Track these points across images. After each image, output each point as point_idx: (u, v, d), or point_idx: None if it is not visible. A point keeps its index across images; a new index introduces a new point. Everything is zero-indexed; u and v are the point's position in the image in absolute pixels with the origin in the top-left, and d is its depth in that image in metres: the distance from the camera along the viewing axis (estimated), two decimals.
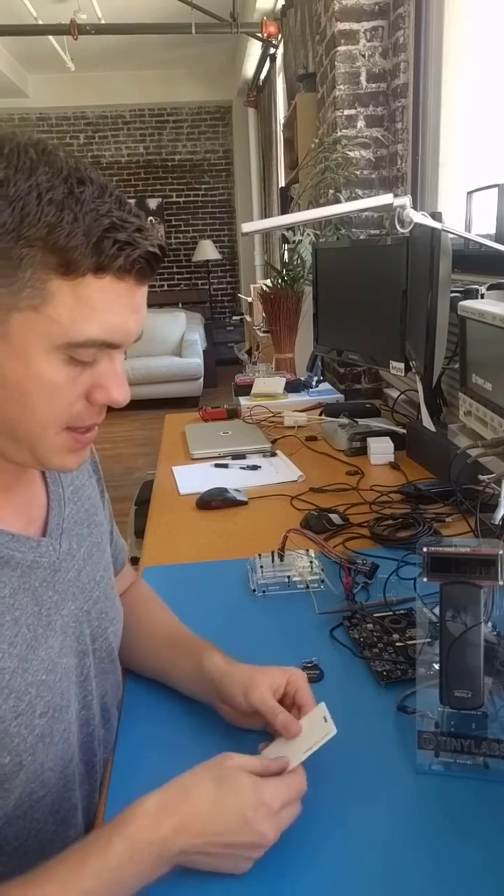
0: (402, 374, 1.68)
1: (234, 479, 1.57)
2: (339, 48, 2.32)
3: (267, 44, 4.93)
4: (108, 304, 0.57)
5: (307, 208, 2.58)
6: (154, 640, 0.88)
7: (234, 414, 2.13)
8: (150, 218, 7.82)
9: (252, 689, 0.72)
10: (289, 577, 1.10)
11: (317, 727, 0.68)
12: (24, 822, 0.63)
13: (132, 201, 0.61)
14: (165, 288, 8.13)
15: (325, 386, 2.42)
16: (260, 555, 1.14)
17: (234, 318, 7.85)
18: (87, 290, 0.55)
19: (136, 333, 0.62)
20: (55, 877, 0.52)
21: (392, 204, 1.35)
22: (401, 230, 1.36)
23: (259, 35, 4.85)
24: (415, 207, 1.40)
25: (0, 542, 0.62)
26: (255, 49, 5.39)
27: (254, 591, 1.08)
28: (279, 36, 4.68)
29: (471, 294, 1.42)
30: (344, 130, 2.39)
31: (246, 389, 2.33)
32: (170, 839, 0.55)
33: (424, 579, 0.72)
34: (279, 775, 0.63)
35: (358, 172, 2.39)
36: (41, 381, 0.57)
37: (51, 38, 5.41)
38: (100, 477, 0.86)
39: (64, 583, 0.69)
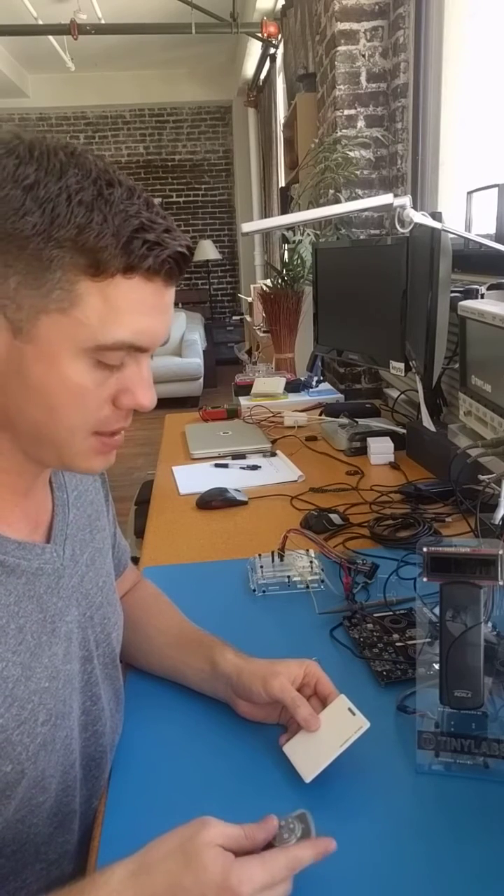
0: (402, 374, 1.68)
1: (234, 479, 1.57)
2: (339, 48, 2.32)
3: (267, 44, 4.93)
4: (136, 306, 0.57)
5: (307, 208, 2.58)
6: (163, 638, 0.88)
7: (234, 414, 2.13)
8: None
9: (272, 680, 0.73)
10: (289, 577, 1.10)
11: (344, 720, 0.68)
12: (23, 827, 0.63)
13: None
14: None
15: (325, 386, 2.42)
16: (260, 555, 1.14)
17: (234, 318, 7.85)
18: (115, 291, 0.55)
19: (164, 336, 0.61)
20: None
21: (392, 204, 1.35)
22: (401, 230, 1.36)
23: (259, 35, 4.84)
24: (415, 207, 1.40)
25: (7, 551, 0.61)
26: (255, 49, 5.39)
27: (254, 591, 1.08)
28: (279, 36, 4.67)
29: (471, 294, 1.42)
30: (344, 130, 2.39)
31: (246, 389, 2.33)
32: None
33: (424, 579, 0.72)
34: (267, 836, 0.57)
35: (358, 172, 2.39)
36: (68, 384, 0.57)
37: (51, 38, 5.40)
38: (104, 480, 0.86)
39: (68, 589, 0.69)
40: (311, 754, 0.69)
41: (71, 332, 0.55)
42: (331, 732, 0.67)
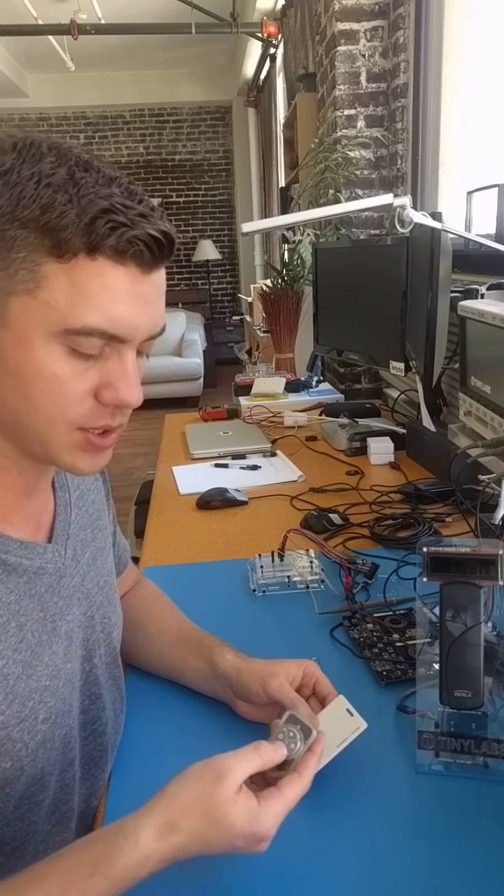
0: (402, 374, 1.68)
1: (234, 479, 1.57)
2: (339, 48, 2.32)
3: (267, 44, 4.93)
4: (107, 291, 0.55)
5: (307, 208, 2.58)
6: (163, 637, 0.88)
7: (234, 414, 2.13)
8: None
9: (270, 680, 0.73)
10: (289, 577, 1.10)
11: (342, 721, 0.68)
12: (22, 825, 0.63)
13: None
14: (165, 288, 8.11)
15: (325, 386, 2.42)
16: (260, 555, 1.14)
17: (234, 318, 7.85)
18: (81, 273, 0.54)
19: (148, 329, 0.59)
20: None
21: (392, 204, 1.35)
22: (401, 230, 1.36)
23: (259, 35, 4.84)
24: (415, 207, 1.40)
25: (9, 550, 0.61)
26: (255, 49, 5.39)
27: (254, 591, 1.08)
28: (279, 36, 4.68)
29: (471, 294, 1.42)
30: (344, 130, 2.39)
31: (246, 389, 2.33)
32: (154, 869, 0.54)
33: (424, 579, 0.72)
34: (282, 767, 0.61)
35: (358, 172, 2.39)
36: (43, 371, 0.56)
37: (51, 38, 5.41)
38: (106, 479, 0.85)
39: (69, 588, 0.69)
40: None
41: (40, 315, 0.55)
42: (328, 733, 0.67)
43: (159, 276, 0.59)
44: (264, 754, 0.59)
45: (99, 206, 0.53)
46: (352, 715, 0.69)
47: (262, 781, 0.60)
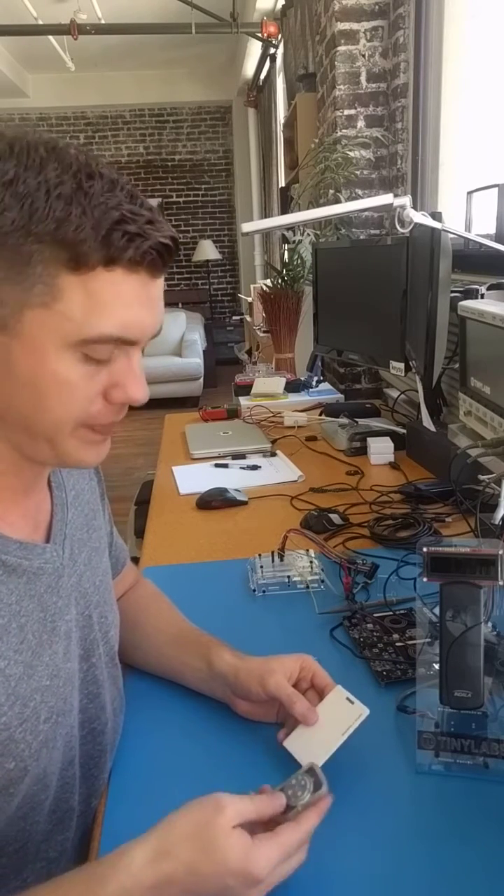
0: (402, 374, 1.68)
1: (234, 479, 1.57)
2: (339, 48, 2.32)
3: (267, 44, 4.93)
4: (120, 299, 0.56)
5: (307, 208, 2.58)
6: (161, 638, 0.88)
7: (234, 414, 2.13)
8: None
9: (268, 677, 0.73)
10: (289, 577, 1.10)
11: (343, 710, 0.68)
12: (25, 824, 0.63)
13: None
14: (165, 288, 8.05)
15: (325, 386, 2.42)
16: (260, 555, 1.14)
17: (234, 318, 7.85)
18: (97, 284, 0.55)
19: (154, 329, 0.61)
20: None
21: (392, 204, 1.35)
22: (401, 230, 1.36)
23: (259, 35, 4.84)
24: (415, 207, 1.40)
25: (8, 551, 0.62)
26: (255, 49, 5.39)
27: (254, 591, 1.08)
28: (279, 36, 4.67)
29: (471, 294, 1.42)
30: (344, 130, 2.39)
31: (246, 389, 2.33)
32: None
33: (424, 579, 0.72)
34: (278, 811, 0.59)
35: (358, 172, 2.39)
36: (56, 379, 0.57)
37: (51, 38, 5.40)
38: (100, 479, 0.86)
39: (67, 588, 0.69)
40: (313, 747, 0.69)
41: (55, 327, 0.55)
42: (331, 723, 0.67)
43: (162, 278, 0.61)
44: (258, 803, 0.58)
45: (112, 218, 0.54)
46: (352, 703, 0.68)
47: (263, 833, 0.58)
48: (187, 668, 0.84)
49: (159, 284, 0.60)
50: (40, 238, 0.53)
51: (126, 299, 0.57)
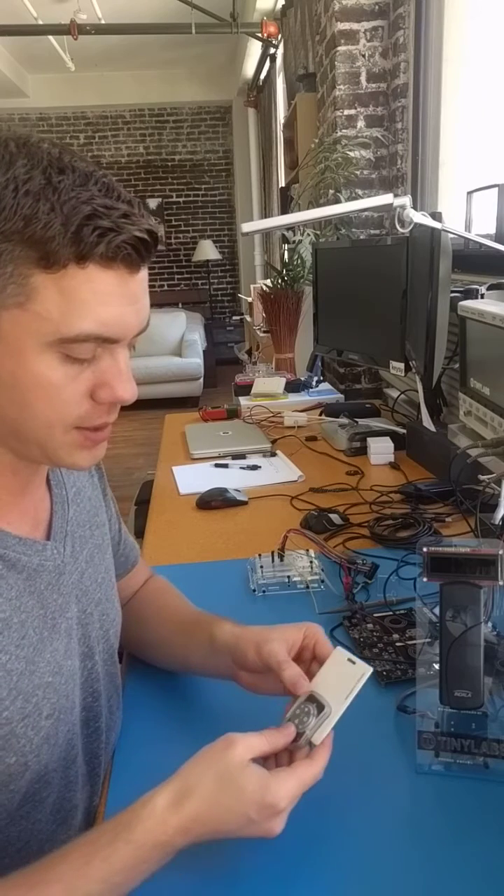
0: (402, 374, 1.68)
1: (234, 479, 1.57)
2: (339, 48, 2.32)
3: (267, 44, 4.93)
4: (98, 296, 0.55)
5: (307, 208, 2.58)
6: (167, 627, 0.87)
7: (234, 414, 2.13)
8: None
9: (264, 645, 0.70)
10: (289, 577, 1.10)
11: (345, 671, 0.66)
12: (27, 823, 0.63)
13: None
14: (165, 288, 8.13)
15: (325, 386, 2.42)
16: (260, 555, 1.14)
17: (234, 318, 7.85)
18: (72, 281, 0.54)
19: (137, 326, 0.59)
20: (58, 878, 0.52)
21: (392, 204, 1.35)
22: (401, 230, 1.36)
23: (259, 35, 4.84)
24: (415, 207, 1.40)
25: (8, 546, 0.62)
26: (255, 49, 5.39)
27: (254, 591, 1.08)
28: (279, 36, 4.67)
29: (471, 294, 1.42)
30: (344, 130, 2.39)
31: (246, 389, 2.33)
32: (174, 841, 0.55)
33: (424, 579, 0.72)
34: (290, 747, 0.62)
35: (358, 172, 2.39)
36: (38, 380, 0.56)
37: (51, 38, 5.40)
38: (102, 475, 0.85)
39: (67, 586, 0.69)
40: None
41: (32, 327, 0.54)
42: (334, 688, 0.64)
43: (144, 273, 0.59)
44: (269, 735, 0.60)
45: (83, 213, 0.53)
46: (354, 663, 0.66)
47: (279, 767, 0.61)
48: (191, 651, 0.81)
49: (140, 279, 0.58)
50: (8, 237, 0.52)
51: (103, 296, 0.55)
